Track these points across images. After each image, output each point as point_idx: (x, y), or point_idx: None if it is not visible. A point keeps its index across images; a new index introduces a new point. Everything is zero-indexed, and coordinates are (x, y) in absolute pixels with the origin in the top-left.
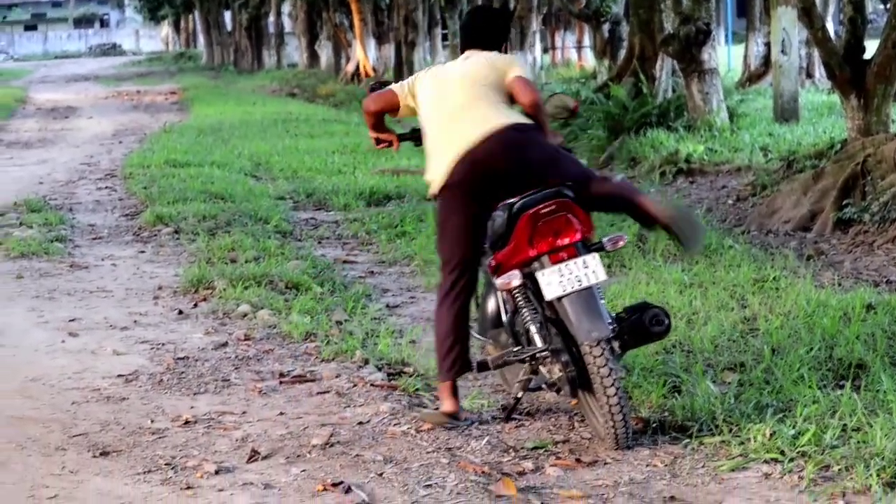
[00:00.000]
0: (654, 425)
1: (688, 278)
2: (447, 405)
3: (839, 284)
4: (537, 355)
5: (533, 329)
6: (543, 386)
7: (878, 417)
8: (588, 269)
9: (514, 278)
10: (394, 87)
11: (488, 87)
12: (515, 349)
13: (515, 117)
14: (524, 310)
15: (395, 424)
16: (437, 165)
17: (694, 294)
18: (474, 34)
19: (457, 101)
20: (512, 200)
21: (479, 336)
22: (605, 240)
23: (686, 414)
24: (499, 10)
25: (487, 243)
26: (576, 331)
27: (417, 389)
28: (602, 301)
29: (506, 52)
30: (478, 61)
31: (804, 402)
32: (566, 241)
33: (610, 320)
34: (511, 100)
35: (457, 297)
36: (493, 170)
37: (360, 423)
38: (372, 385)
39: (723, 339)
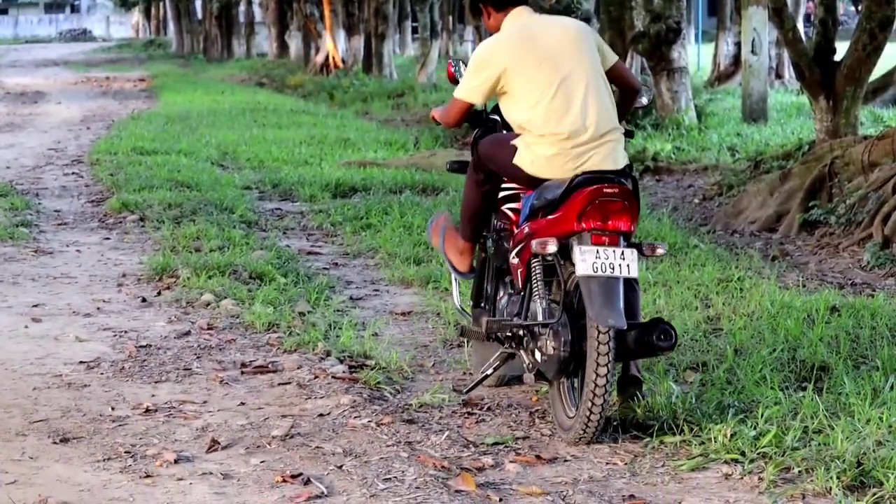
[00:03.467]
0: (615, 423)
1: (652, 277)
2: (465, 267)
3: (804, 286)
4: (535, 331)
5: (540, 303)
6: (519, 373)
7: (839, 420)
8: (624, 262)
9: (552, 244)
10: (462, 94)
11: (600, 69)
12: (515, 319)
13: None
14: (538, 283)
15: (355, 417)
16: (538, 153)
17: (658, 293)
18: None
19: (574, 83)
20: (580, 172)
21: (459, 310)
22: (644, 243)
23: (647, 413)
24: None
25: (525, 213)
26: (594, 313)
27: (379, 383)
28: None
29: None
30: (574, 26)
31: (766, 403)
32: (615, 227)
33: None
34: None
35: (487, 191)
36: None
37: (321, 415)
38: (333, 377)
39: (686, 338)
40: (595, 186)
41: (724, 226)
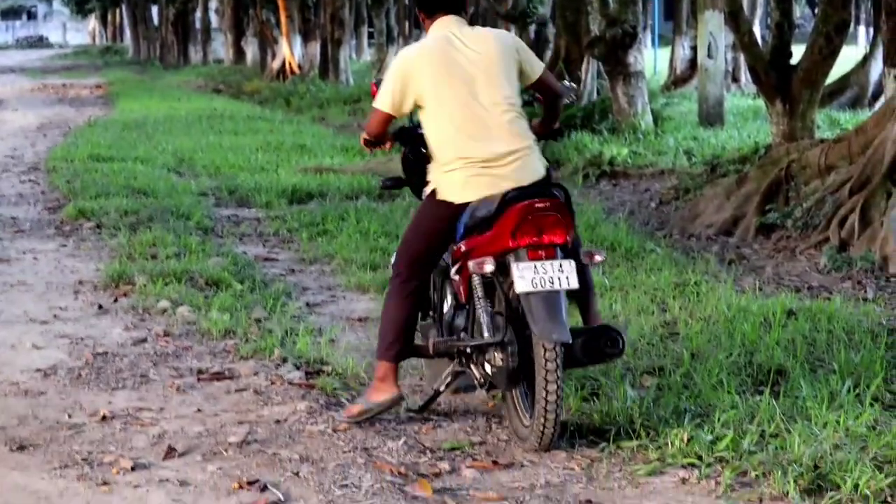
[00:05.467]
0: (572, 429)
1: (608, 281)
2: (393, 390)
3: (760, 290)
4: (482, 346)
5: (484, 319)
6: (473, 382)
7: (796, 424)
8: (563, 274)
9: (489, 263)
10: (380, 104)
11: (514, 88)
12: (463, 336)
13: (542, 161)
14: (480, 300)
15: (312, 423)
16: (454, 179)
17: (614, 297)
18: None
19: (484, 105)
20: (506, 190)
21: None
22: (582, 252)
23: (604, 418)
24: None
25: (460, 230)
26: (538, 329)
27: (335, 389)
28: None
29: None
30: (496, 44)
31: (723, 407)
32: (550, 241)
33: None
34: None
35: (415, 289)
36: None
37: (278, 421)
38: (290, 384)
39: (642, 343)
40: (526, 202)
41: (681, 230)
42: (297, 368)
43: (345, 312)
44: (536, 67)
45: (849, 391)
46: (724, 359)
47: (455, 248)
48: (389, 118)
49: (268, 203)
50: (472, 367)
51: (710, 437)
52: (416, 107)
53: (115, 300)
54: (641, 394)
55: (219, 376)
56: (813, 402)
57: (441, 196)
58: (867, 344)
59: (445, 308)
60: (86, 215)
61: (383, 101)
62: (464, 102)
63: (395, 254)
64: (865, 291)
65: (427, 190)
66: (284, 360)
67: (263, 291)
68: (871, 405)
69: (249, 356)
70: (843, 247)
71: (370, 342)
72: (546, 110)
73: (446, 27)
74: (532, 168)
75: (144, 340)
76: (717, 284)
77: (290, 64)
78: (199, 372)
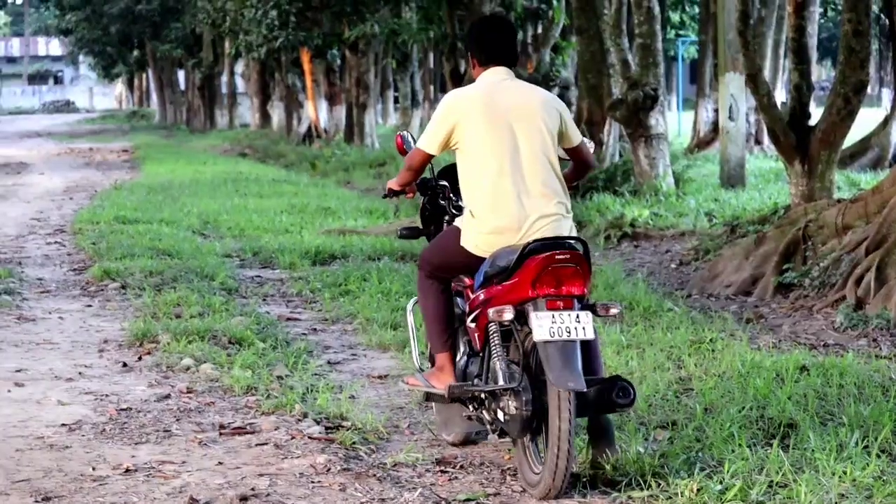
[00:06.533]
0: (585, 479)
1: (625, 339)
2: (449, 379)
3: (776, 347)
4: (497, 392)
5: (500, 366)
6: (487, 428)
7: (804, 474)
8: (579, 325)
9: (509, 312)
10: (425, 145)
11: (554, 143)
12: (476, 383)
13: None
14: (496, 346)
15: (331, 476)
16: (480, 237)
17: (631, 355)
18: (498, 48)
19: (523, 156)
20: (527, 241)
21: (419, 371)
22: (599, 304)
23: (616, 469)
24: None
25: (479, 279)
26: (554, 377)
27: (354, 443)
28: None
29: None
30: (541, 99)
31: (733, 459)
32: (568, 291)
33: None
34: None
35: (444, 289)
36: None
37: (297, 474)
38: (310, 438)
39: (657, 398)
40: (547, 253)
41: (700, 290)
42: (318, 423)
43: (365, 370)
44: (575, 136)
45: (857, 443)
46: (736, 413)
47: (473, 297)
48: (429, 159)
49: (291, 264)
50: (485, 412)
51: (719, 487)
52: (454, 148)
53: (140, 358)
54: (654, 447)
55: (240, 431)
56: (821, 454)
57: (464, 242)
58: (877, 397)
59: (459, 355)
60: (111, 276)
61: (429, 143)
62: (503, 152)
63: (421, 253)
64: (880, 348)
65: (456, 223)
66: (305, 416)
67: (285, 350)
68: (879, 456)
69: (271, 412)
70: (859, 305)
71: (390, 398)
72: (573, 174)
73: (496, 77)
74: (559, 232)
75: (168, 397)
76: (733, 342)
77: (315, 128)
78: (221, 427)
